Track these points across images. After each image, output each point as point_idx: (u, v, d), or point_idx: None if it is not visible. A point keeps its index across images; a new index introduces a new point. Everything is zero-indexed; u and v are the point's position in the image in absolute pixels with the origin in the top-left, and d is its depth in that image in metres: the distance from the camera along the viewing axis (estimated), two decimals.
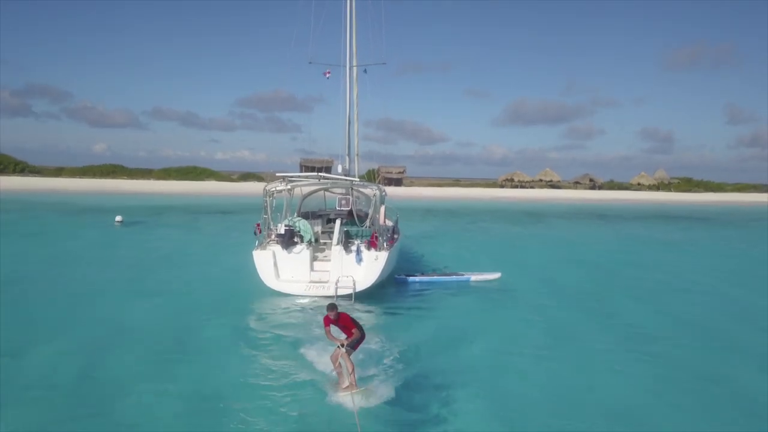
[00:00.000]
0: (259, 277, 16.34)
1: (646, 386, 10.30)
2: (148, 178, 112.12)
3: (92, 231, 33.01)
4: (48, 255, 23.78)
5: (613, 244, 34.75)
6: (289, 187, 17.70)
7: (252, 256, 16.51)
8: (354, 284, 15.74)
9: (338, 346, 9.40)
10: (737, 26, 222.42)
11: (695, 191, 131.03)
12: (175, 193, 79.22)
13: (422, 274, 19.92)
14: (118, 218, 36.33)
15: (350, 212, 18.96)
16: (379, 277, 16.50)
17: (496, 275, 19.58)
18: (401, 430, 8.35)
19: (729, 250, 33.34)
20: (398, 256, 20.14)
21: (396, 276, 18.97)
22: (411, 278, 19.13)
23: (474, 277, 19.44)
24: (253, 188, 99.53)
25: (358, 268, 16.28)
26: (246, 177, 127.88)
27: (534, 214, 59.58)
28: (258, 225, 17.38)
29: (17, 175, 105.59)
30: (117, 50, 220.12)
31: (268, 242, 16.84)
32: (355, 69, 21.62)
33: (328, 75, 21.78)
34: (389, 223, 20.84)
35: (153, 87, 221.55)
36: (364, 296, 15.82)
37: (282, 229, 16.66)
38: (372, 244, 16.79)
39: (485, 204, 76.51)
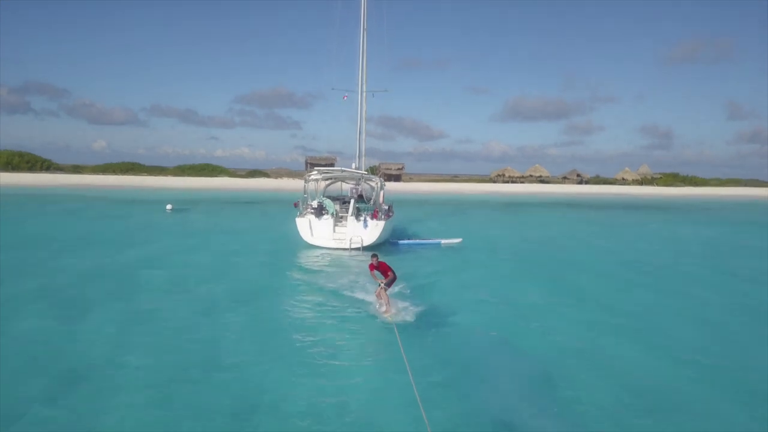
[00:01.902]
0: (300, 235, 25.04)
1: (544, 296, 18.84)
2: (165, 175, 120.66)
3: (151, 215, 41.55)
4: (130, 229, 32.30)
5: (563, 224, 43.42)
6: (321, 177, 26.42)
7: (295, 222, 25.21)
8: (362, 241, 24.41)
9: (379, 285, 13.75)
10: (737, 21, 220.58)
11: (678, 185, 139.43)
12: (195, 188, 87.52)
13: (408, 238, 28.62)
14: (169, 206, 44.90)
15: (360, 195, 27.69)
16: (379, 237, 25.09)
17: (459, 240, 28.22)
18: (421, 333, 12.48)
19: (656, 228, 41.93)
20: (392, 226, 28.74)
21: (390, 240, 27.58)
22: (400, 241, 27.78)
23: (443, 241, 28.07)
24: (262, 184, 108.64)
25: (365, 231, 24.89)
26: (253, 174, 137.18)
27: (513, 204, 68.31)
28: (297, 202, 26.11)
29: (44, 173, 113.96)
30: (115, 48, 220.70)
31: (305, 213, 25.50)
32: (365, 93, 30.39)
33: (345, 98, 30.46)
34: (386, 205, 29.44)
35: (152, 84, 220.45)
36: (369, 249, 24.33)
37: (315, 204, 25.38)
38: (374, 216, 25.40)
39: (474, 197, 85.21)
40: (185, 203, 54.49)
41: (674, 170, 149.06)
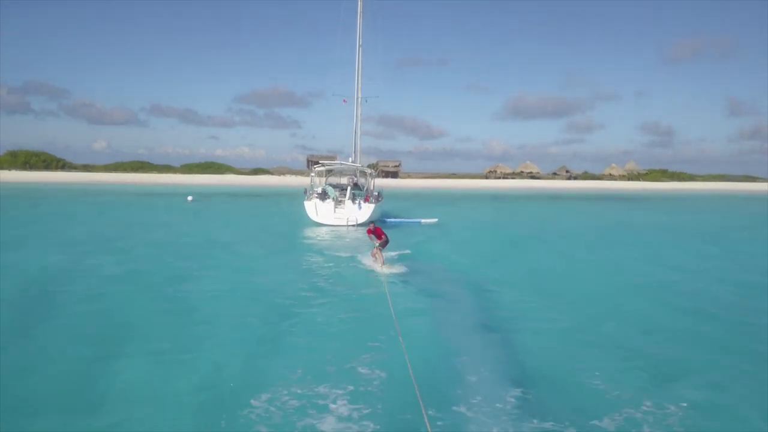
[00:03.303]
0: (307, 215, 31.39)
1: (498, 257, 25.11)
2: (174, 173, 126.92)
3: (175, 205, 47.80)
4: (162, 213, 38.57)
5: (535, 210, 49.73)
6: (324, 169, 32.84)
7: (303, 205, 31.61)
8: (356, 220, 30.74)
9: (375, 246, 17.21)
10: (737, 19, 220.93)
11: (663, 181, 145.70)
12: (205, 184, 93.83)
13: (395, 218, 35.01)
14: (190, 197, 51.25)
15: (355, 184, 34.06)
16: (370, 216, 31.37)
17: (435, 220, 34.63)
18: (406, 283, 15.39)
19: (612, 214, 48.26)
20: (382, 209, 35.07)
21: (380, 219, 33.92)
22: (388, 219, 34.15)
23: (423, 220, 34.47)
24: (267, 180, 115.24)
25: (359, 212, 31.19)
26: (256, 171, 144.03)
27: (499, 197, 74.70)
28: (306, 190, 32.49)
29: (60, 171, 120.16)
30: (114, 48, 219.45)
31: (312, 198, 31.84)
32: (360, 99, 36.85)
33: (345, 102, 36.91)
34: (376, 192, 35.78)
35: (151, 84, 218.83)
36: (362, 226, 30.60)
37: (320, 191, 31.79)
38: (366, 200, 31.74)
39: (465, 191, 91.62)
40: (201, 196, 60.81)
41: (675, 167, 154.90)
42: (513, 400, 7.69)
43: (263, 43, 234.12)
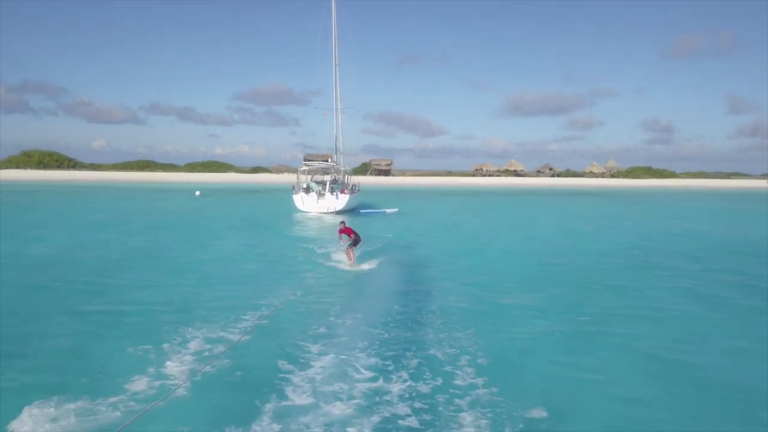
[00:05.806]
0: (295, 206, 39.19)
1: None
2: (178, 172, 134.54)
3: (185, 199, 55.56)
4: (175, 205, 46.27)
5: (495, 201, 57.43)
6: (308, 169, 40.79)
7: (292, 197, 39.44)
8: (335, 207, 38.58)
9: (348, 245, 17.90)
10: (737, 14, 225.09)
11: (644, 178, 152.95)
12: (208, 182, 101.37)
13: (366, 208, 42.88)
14: (197, 192, 59.01)
15: (334, 180, 42.00)
16: (345, 205, 39.14)
17: (396, 209, 42.50)
18: (372, 277, 16.92)
19: (576, 208, 55.91)
20: (358, 200, 42.86)
21: (355, 209, 41.76)
22: (361, 210, 41.98)
23: (388, 210, 42.31)
24: (266, 178, 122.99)
25: (337, 201, 38.98)
26: (256, 170, 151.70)
27: (473, 193, 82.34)
28: (294, 186, 40.35)
29: (71, 170, 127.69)
30: (113, 46, 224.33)
31: (299, 192, 39.65)
32: (340, 110, 44.78)
33: (326, 114, 44.74)
34: (351, 185, 43.56)
35: (150, 82, 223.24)
36: (339, 213, 38.37)
37: (305, 185, 39.63)
38: (342, 192, 39.57)
39: (448, 188, 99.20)
40: (206, 191, 68.61)
41: (674, 164, 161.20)
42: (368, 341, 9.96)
43: (262, 40, 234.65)
